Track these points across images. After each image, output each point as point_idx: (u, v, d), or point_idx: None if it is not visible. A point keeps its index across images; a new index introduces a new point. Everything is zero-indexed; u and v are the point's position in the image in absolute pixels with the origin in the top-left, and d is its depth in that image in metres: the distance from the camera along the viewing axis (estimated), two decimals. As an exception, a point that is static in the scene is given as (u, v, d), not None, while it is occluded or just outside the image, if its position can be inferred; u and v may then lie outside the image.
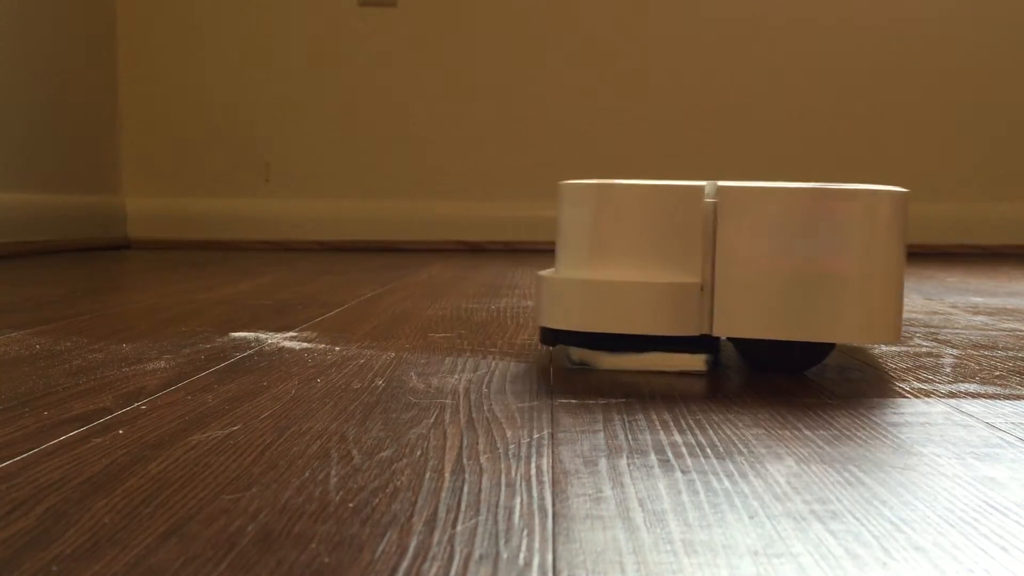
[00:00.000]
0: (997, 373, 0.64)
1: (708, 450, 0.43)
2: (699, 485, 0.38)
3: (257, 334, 0.78)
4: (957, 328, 0.87)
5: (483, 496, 0.36)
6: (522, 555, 0.30)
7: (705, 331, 0.62)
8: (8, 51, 1.94)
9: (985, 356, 0.71)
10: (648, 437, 0.45)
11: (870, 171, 2.39)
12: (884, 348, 0.74)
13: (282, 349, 0.71)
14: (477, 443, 0.44)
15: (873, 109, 2.39)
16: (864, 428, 0.48)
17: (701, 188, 0.62)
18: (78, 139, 2.24)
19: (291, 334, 0.79)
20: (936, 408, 0.52)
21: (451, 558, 0.30)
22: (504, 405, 0.52)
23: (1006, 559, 0.30)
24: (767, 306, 0.61)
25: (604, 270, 0.63)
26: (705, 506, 0.35)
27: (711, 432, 0.46)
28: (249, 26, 2.42)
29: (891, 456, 0.42)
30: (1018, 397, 0.56)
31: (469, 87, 2.42)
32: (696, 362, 0.63)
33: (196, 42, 2.42)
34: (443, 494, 0.36)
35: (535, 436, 0.45)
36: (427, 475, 0.38)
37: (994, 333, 0.83)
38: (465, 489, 0.37)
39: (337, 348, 0.71)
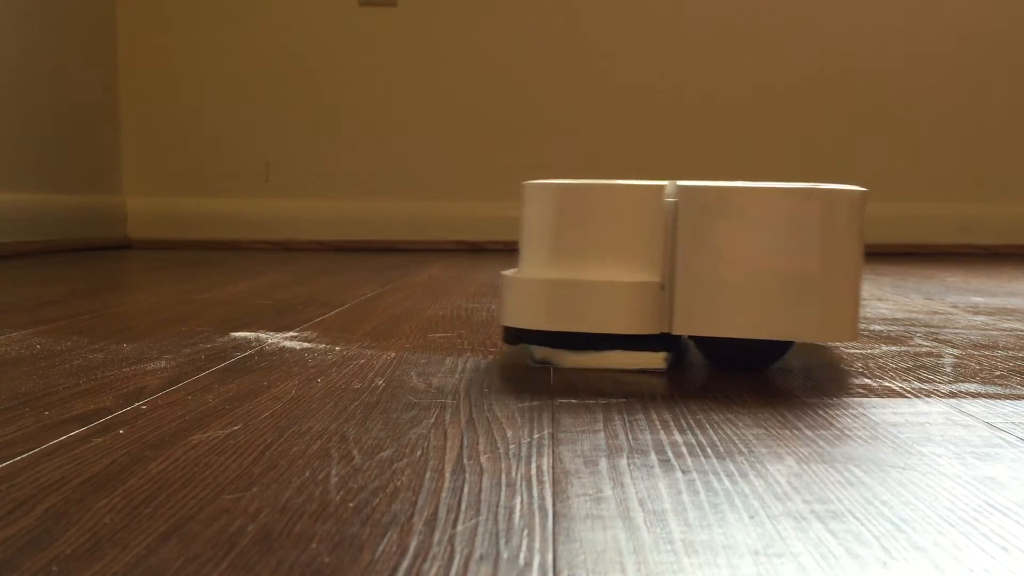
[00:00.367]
0: (997, 373, 0.64)
1: (708, 450, 0.43)
2: (699, 485, 0.38)
3: (257, 334, 0.78)
4: (958, 328, 0.87)
5: (483, 496, 0.36)
6: (522, 555, 0.30)
7: (665, 329, 0.63)
8: (8, 51, 1.94)
9: (985, 356, 0.71)
10: (648, 437, 0.45)
11: (869, 172, 2.39)
12: (885, 348, 0.74)
13: (282, 349, 0.71)
14: (477, 443, 0.44)
15: (872, 109, 2.39)
16: (865, 428, 0.48)
17: (661, 188, 0.63)
18: (78, 139, 2.24)
19: (291, 334, 0.79)
20: (936, 408, 0.52)
21: (451, 558, 0.30)
22: (504, 405, 0.52)
23: (1006, 559, 0.30)
24: (725, 305, 0.61)
25: (565, 270, 0.64)
26: (705, 506, 0.35)
27: (711, 432, 0.46)
28: (249, 26, 2.42)
29: (892, 456, 0.42)
30: (1018, 397, 0.56)
31: (469, 87, 2.42)
32: (656, 360, 0.64)
33: (196, 42, 2.42)
34: (443, 494, 0.36)
35: (535, 436, 0.45)
36: (427, 475, 0.38)
37: (994, 333, 0.83)
38: (465, 489, 0.37)
39: (337, 348, 0.71)
